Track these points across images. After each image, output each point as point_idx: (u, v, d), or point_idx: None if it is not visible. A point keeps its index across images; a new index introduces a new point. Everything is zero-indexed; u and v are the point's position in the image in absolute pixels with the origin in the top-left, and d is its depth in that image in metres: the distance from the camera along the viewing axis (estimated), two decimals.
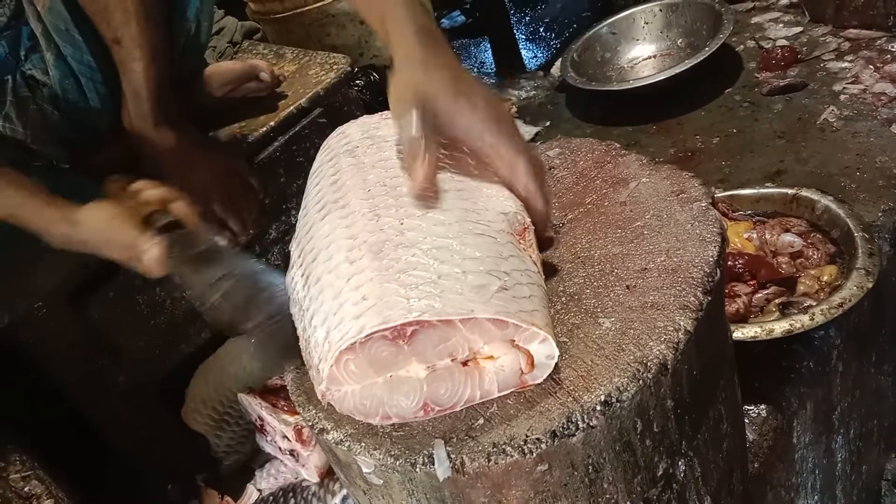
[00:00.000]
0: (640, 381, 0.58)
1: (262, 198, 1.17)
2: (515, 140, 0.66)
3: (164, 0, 1.04)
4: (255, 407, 1.21)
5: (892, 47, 1.50)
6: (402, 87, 0.64)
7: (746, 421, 0.98)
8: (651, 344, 0.59)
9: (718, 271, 0.65)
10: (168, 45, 1.08)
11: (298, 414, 1.15)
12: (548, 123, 1.68)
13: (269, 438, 1.24)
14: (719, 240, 0.67)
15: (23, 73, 1.03)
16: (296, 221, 1.29)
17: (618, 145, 0.84)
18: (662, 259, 0.67)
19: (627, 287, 0.66)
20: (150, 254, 0.83)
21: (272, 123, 1.25)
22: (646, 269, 0.67)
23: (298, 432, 1.16)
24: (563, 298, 0.66)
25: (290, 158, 1.27)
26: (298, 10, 1.63)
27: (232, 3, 1.62)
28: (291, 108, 1.26)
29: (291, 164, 1.27)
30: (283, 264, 1.29)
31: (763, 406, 0.99)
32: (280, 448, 1.22)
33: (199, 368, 1.24)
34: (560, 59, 1.73)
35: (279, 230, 1.28)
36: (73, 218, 0.87)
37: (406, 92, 0.64)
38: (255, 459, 1.29)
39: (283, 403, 1.19)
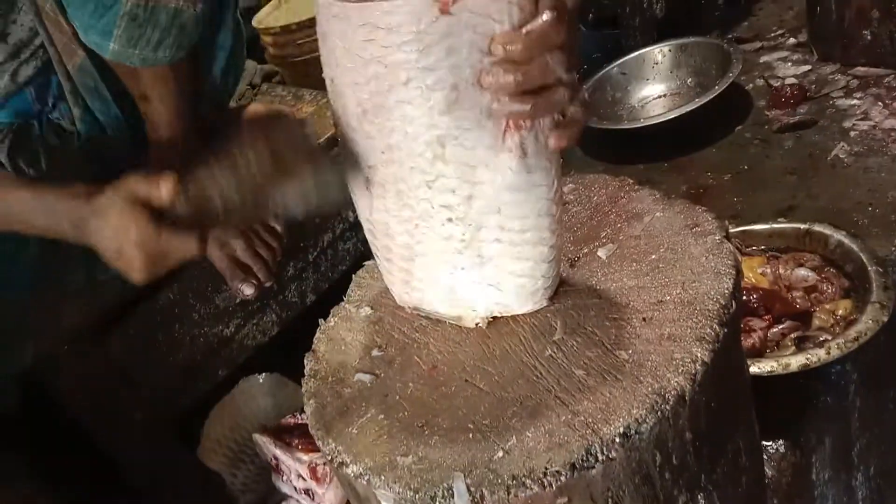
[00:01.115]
0: (659, 413, 0.58)
1: (285, 241, 1.20)
2: None
3: (192, 58, 1.08)
4: (270, 447, 1.21)
5: None
6: None
7: (765, 457, 0.97)
8: (668, 375, 0.60)
9: (734, 303, 0.66)
10: (194, 99, 1.11)
11: (313, 452, 1.16)
12: (560, 161, 1.70)
13: (284, 478, 1.24)
14: (734, 272, 0.68)
15: (50, 120, 1.06)
16: (312, 260, 1.32)
17: (631, 181, 0.85)
18: (678, 292, 0.68)
19: (644, 319, 0.67)
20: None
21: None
22: (662, 301, 0.68)
23: (313, 470, 1.16)
24: (581, 331, 0.67)
25: None
26: (315, 54, 1.67)
27: (251, 47, 1.66)
28: None
29: None
30: (300, 303, 1.31)
31: (781, 442, 0.99)
32: (296, 487, 1.22)
33: (216, 407, 1.25)
34: None
35: (297, 268, 1.30)
36: (89, 207, 0.84)
37: None
38: (272, 499, 1.29)
39: (297, 442, 1.20)
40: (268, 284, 1.16)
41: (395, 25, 0.55)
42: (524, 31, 0.55)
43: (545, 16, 0.55)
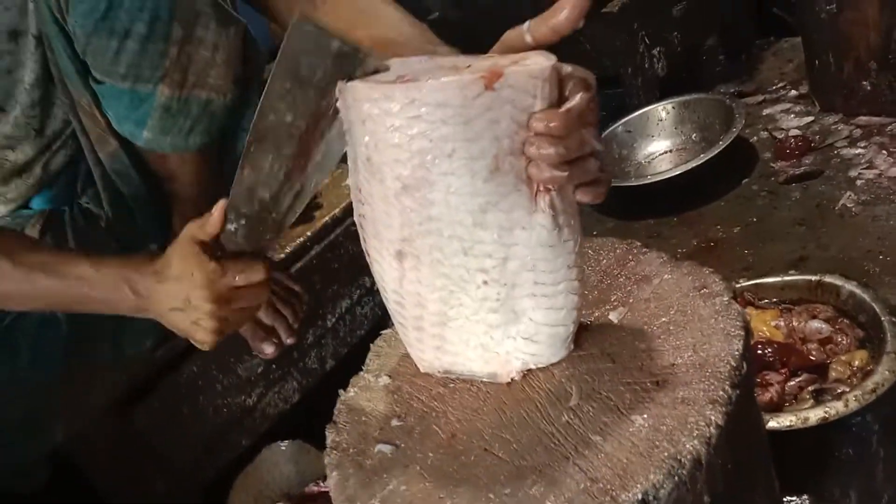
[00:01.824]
0: (676, 478, 0.59)
1: (306, 301, 1.22)
2: None
3: (218, 141, 1.12)
4: None
5: None
6: None
7: None
8: (683, 440, 0.61)
9: (745, 364, 0.67)
10: (219, 176, 1.15)
11: None
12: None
13: None
14: (743, 333, 0.69)
15: (79, 205, 1.11)
16: (331, 326, 1.34)
17: (639, 243, 0.87)
18: (689, 354, 0.69)
19: (657, 383, 0.68)
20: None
21: (309, 233, 1.31)
22: (674, 364, 0.69)
23: None
24: (596, 396, 0.68)
25: (325, 266, 1.32)
26: None
27: None
28: (326, 218, 1.33)
29: (327, 271, 1.33)
30: (320, 369, 1.33)
31: (805, 497, 0.98)
32: None
33: (240, 476, 1.26)
34: None
35: (315, 335, 1.32)
36: (152, 268, 0.84)
37: None
38: None
39: None
40: (289, 342, 1.18)
41: (444, 101, 0.59)
42: (564, 108, 0.60)
43: (581, 96, 0.60)
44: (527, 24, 0.63)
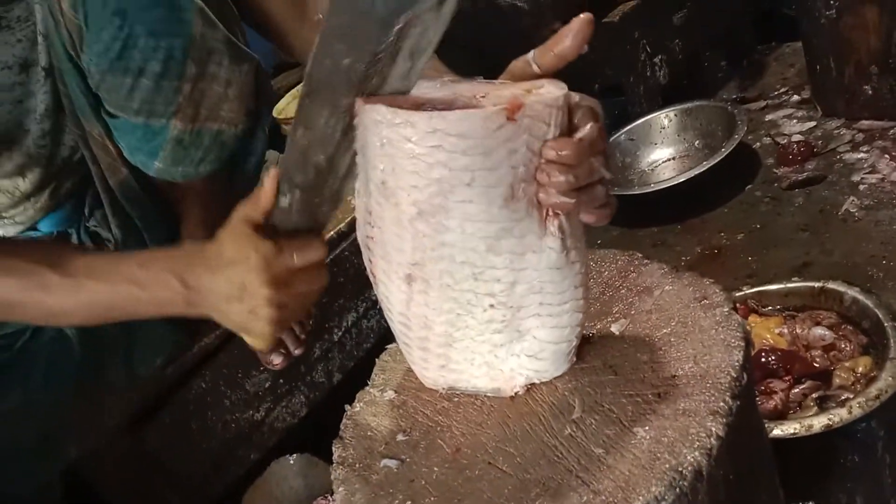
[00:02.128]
0: (678, 489, 0.60)
1: (314, 313, 1.23)
2: None
3: (226, 165, 1.14)
4: None
5: None
6: None
7: None
8: (685, 451, 0.62)
9: (745, 375, 0.68)
10: (227, 193, 1.17)
11: None
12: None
13: None
14: (743, 344, 0.70)
15: (87, 228, 1.12)
16: (337, 340, 1.35)
17: (640, 255, 0.88)
18: (690, 366, 0.70)
19: (659, 395, 0.68)
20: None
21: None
22: (675, 376, 0.70)
23: None
24: (598, 409, 0.69)
25: (331, 280, 1.32)
26: None
27: (271, 136, 1.73)
28: (332, 232, 1.34)
29: (333, 285, 1.33)
30: (327, 383, 1.34)
31: None
32: None
33: (248, 491, 1.27)
34: None
35: (322, 348, 1.33)
36: (203, 256, 0.78)
37: None
38: None
39: None
40: (297, 353, 1.18)
41: (466, 132, 0.60)
42: (576, 137, 0.62)
43: (591, 126, 0.62)
44: (532, 53, 0.64)
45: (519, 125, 0.60)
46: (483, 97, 0.64)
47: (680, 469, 0.60)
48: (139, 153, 1.03)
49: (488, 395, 0.75)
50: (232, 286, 0.76)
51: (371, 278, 0.74)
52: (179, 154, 1.02)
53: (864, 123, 1.63)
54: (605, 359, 0.75)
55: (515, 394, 0.74)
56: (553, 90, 0.62)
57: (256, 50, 1.12)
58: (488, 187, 0.62)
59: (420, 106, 0.63)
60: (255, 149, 1.20)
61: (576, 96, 0.63)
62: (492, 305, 0.68)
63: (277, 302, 0.75)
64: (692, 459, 0.61)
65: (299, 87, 2.00)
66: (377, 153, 0.65)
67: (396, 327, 0.75)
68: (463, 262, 0.66)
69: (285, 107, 1.92)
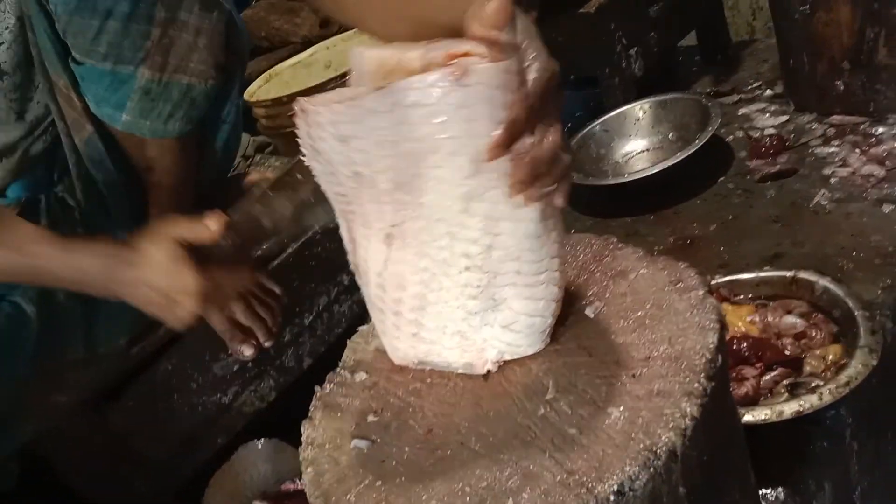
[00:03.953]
0: (651, 469, 0.59)
1: (284, 302, 1.21)
2: None
3: (197, 131, 1.12)
4: None
5: (876, 131, 1.56)
6: None
7: None
8: (659, 431, 0.61)
9: (720, 357, 0.68)
10: (196, 169, 1.14)
11: None
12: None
13: None
14: (718, 326, 0.70)
15: (55, 194, 1.09)
16: (308, 324, 1.34)
17: (615, 239, 0.87)
18: (665, 347, 0.69)
19: (633, 376, 0.68)
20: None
21: (280, 178, 1.30)
22: (650, 357, 0.69)
23: None
24: (572, 390, 0.69)
25: (303, 264, 1.31)
26: None
27: (244, 119, 1.71)
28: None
29: (304, 269, 1.31)
30: (298, 368, 1.32)
31: (780, 489, 0.99)
32: None
33: (215, 475, 1.25)
34: None
35: (293, 332, 1.31)
36: (128, 258, 0.85)
37: None
38: None
39: None
40: (267, 345, 1.17)
41: (415, 101, 0.60)
42: (523, 96, 0.61)
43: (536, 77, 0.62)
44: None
45: (472, 91, 0.59)
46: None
47: (654, 449, 0.60)
48: (106, 104, 1.00)
49: (459, 370, 0.74)
50: (154, 293, 0.82)
51: (349, 246, 0.73)
52: (147, 106, 1.00)
53: (836, 118, 1.64)
54: (579, 341, 0.74)
55: (488, 372, 0.73)
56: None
57: None
58: (453, 154, 0.62)
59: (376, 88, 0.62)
60: (227, 117, 1.17)
61: (533, 64, 0.62)
62: (467, 268, 0.67)
63: (197, 310, 0.83)
64: (666, 439, 0.61)
65: (271, 70, 1.98)
66: (342, 150, 0.64)
67: (372, 291, 0.74)
68: (439, 219, 0.66)
69: (256, 90, 1.89)
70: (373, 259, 0.71)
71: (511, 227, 0.66)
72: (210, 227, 0.77)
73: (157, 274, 0.81)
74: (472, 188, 0.64)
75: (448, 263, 0.68)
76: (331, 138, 0.64)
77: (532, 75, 0.62)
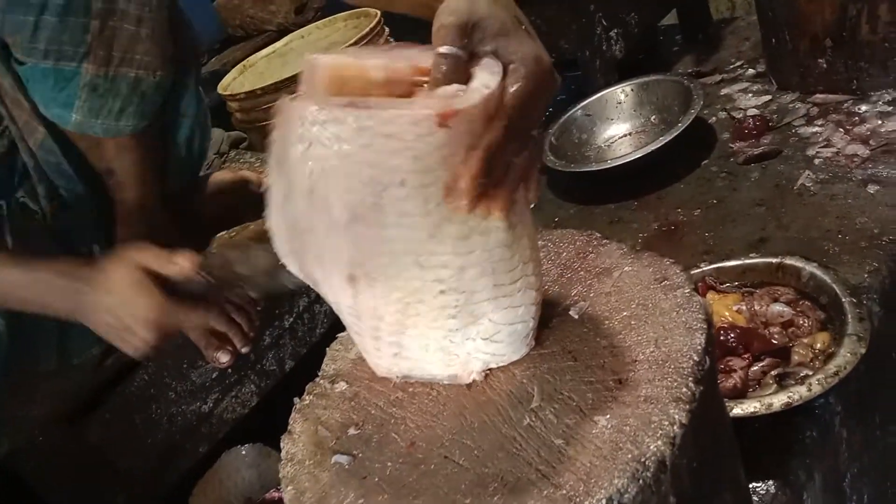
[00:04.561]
0: (641, 481, 0.58)
1: (259, 308, 1.18)
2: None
3: (156, 128, 1.08)
4: None
5: (859, 109, 1.54)
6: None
7: (756, 499, 0.96)
8: (647, 441, 0.59)
9: (708, 359, 0.66)
10: (160, 169, 1.11)
11: None
12: (532, 205, 1.71)
13: None
14: (705, 327, 0.68)
15: (17, 199, 1.06)
16: (289, 326, 1.31)
17: (598, 234, 0.85)
18: (651, 350, 0.67)
19: (620, 381, 0.66)
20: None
21: (262, 230, 1.27)
22: (636, 361, 0.67)
23: None
24: (558, 397, 0.66)
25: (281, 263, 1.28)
26: None
27: (218, 114, 1.66)
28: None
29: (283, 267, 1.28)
30: (279, 371, 1.30)
31: (771, 482, 0.98)
32: None
33: (199, 483, 1.22)
34: None
35: (273, 335, 1.29)
36: (90, 280, 0.84)
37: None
38: None
39: None
40: (244, 351, 1.14)
41: (395, 134, 0.57)
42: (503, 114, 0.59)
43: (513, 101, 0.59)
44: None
45: (455, 132, 0.57)
46: (423, 85, 0.62)
47: (643, 460, 0.58)
48: (54, 104, 0.96)
49: (444, 381, 0.72)
50: (113, 320, 0.82)
51: (307, 281, 0.70)
52: (96, 103, 0.96)
53: (819, 97, 1.62)
54: (563, 344, 0.72)
55: (473, 381, 0.71)
56: (486, 78, 0.59)
57: (204, 24, 1.06)
58: (422, 187, 0.59)
59: (352, 103, 0.59)
60: (186, 110, 1.13)
61: (512, 74, 0.59)
62: (442, 291, 0.65)
63: (155, 342, 0.84)
64: (655, 449, 0.59)
65: (245, 61, 1.94)
66: (303, 158, 0.61)
67: (346, 319, 0.72)
68: (404, 252, 0.63)
69: (230, 83, 1.85)
70: (339, 295, 0.68)
71: (482, 241, 0.63)
72: (181, 265, 0.75)
73: (116, 299, 0.79)
74: (441, 215, 0.61)
75: (422, 291, 0.65)
76: (294, 142, 0.61)
77: (513, 85, 0.59)
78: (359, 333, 0.72)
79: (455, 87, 0.59)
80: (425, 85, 0.62)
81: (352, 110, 0.58)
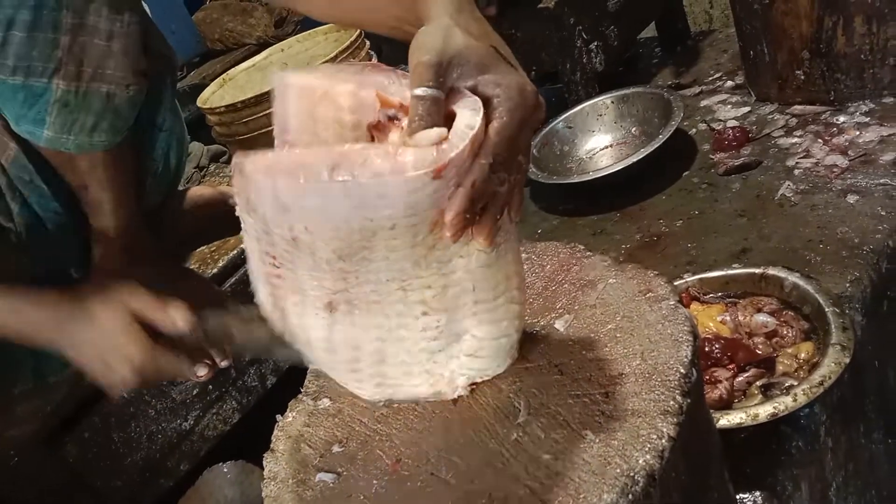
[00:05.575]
0: (630, 496, 0.57)
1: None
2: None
3: (131, 143, 1.06)
4: None
5: (837, 120, 1.56)
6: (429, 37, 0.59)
7: None
8: (636, 455, 0.59)
9: (694, 371, 0.66)
10: (136, 184, 1.09)
11: None
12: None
13: None
14: (691, 338, 0.68)
15: None
16: None
17: (582, 247, 0.85)
18: (638, 363, 0.67)
19: (606, 395, 0.66)
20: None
21: (242, 245, 1.25)
22: (622, 374, 0.67)
23: None
24: (545, 411, 0.66)
25: None
26: (263, 131, 1.67)
27: (198, 127, 1.65)
28: None
29: None
30: (261, 387, 1.28)
31: (757, 493, 0.98)
32: None
33: (180, 502, 1.20)
34: None
35: None
36: (77, 316, 0.83)
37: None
38: None
39: None
40: (223, 365, 1.12)
41: (387, 194, 0.56)
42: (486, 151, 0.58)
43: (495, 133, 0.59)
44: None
45: (446, 179, 0.57)
46: (393, 120, 0.62)
47: (632, 474, 0.58)
48: (24, 121, 0.94)
49: (430, 399, 0.71)
50: (95, 358, 0.81)
51: (273, 314, 0.68)
52: (68, 119, 0.94)
53: (797, 108, 1.64)
54: (549, 357, 0.72)
55: (458, 396, 0.71)
56: (468, 117, 0.58)
57: (183, 38, 1.05)
58: (412, 226, 0.59)
59: (336, 166, 0.55)
60: (161, 125, 1.12)
61: (495, 109, 0.59)
62: (424, 313, 0.65)
63: (135, 386, 0.82)
64: (644, 463, 0.58)
65: (224, 75, 1.92)
66: (283, 216, 0.59)
67: (318, 355, 0.70)
68: (389, 279, 0.62)
69: (210, 96, 1.83)
70: (312, 327, 0.67)
71: (463, 262, 0.63)
72: (174, 321, 0.74)
73: (102, 340, 0.78)
74: (427, 245, 0.61)
75: (404, 314, 0.65)
76: (271, 205, 0.59)
77: (497, 121, 0.58)
78: (334, 369, 0.71)
79: (436, 131, 0.57)
80: (400, 121, 0.62)
81: (339, 181, 0.55)
